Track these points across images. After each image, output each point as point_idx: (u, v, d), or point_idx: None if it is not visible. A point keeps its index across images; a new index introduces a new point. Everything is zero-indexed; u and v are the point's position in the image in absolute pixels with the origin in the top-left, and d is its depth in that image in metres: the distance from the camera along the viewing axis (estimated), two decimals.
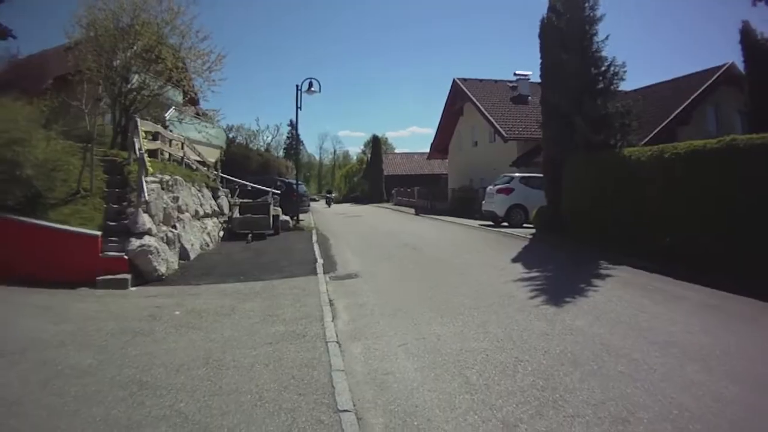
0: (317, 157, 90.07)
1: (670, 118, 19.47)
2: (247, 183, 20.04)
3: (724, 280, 7.59)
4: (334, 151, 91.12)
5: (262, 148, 50.35)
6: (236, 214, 16.25)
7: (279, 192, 20.24)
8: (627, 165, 10.49)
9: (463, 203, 27.22)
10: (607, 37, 12.56)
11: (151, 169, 10.12)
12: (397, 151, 67.30)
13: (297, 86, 19.08)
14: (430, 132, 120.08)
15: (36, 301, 7.22)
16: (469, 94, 29.94)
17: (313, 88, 18.99)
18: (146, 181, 9.98)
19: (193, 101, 18.32)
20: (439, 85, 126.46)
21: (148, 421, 3.70)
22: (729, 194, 8.06)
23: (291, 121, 72.14)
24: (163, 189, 10.99)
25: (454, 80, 32.13)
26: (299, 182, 24.70)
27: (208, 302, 7.65)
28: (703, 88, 20.45)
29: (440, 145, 38.10)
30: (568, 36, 12.54)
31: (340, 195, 60.92)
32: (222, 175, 18.35)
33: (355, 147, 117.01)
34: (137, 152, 10.60)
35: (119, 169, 11.18)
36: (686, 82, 21.61)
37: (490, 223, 20.00)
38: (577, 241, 12.38)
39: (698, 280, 7.93)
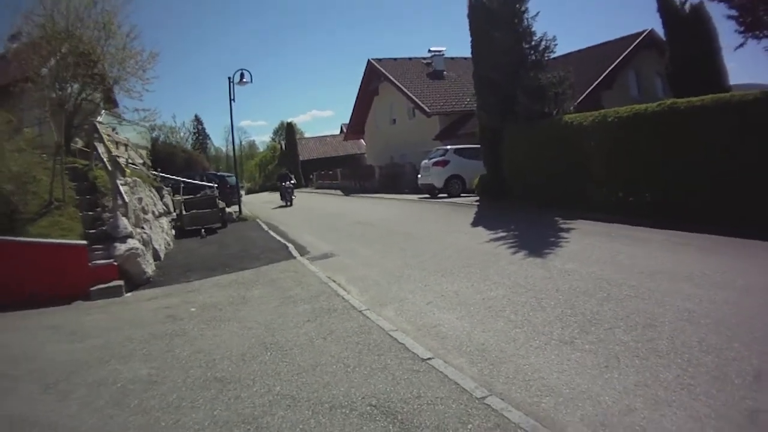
0: (223, 150, 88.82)
1: (595, 84, 20.79)
2: (185, 180, 20.06)
3: (674, 224, 8.87)
4: (240, 142, 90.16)
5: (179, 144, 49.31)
6: (183, 211, 16.40)
7: (216, 186, 20.42)
8: (569, 130, 11.77)
9: (391, 180, 28.28)
10: (537, 14, 13.85)
11: (128, 171, 10.24)
12: (306, 135, 67.58)
13: (229, 78, 19.49)
14: (330, 114, 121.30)
15: (42, 322, 7.12)
16: (386, 73, 30.94)
17: (245, 80, 19.34)
18: (120, 184, 10.05)
19: (114, 102, 18.09)
20: (337, 67, 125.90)
21: (261, 410, 3.84)
22: (671, 151, 9.35)
23: (196, 115, 71.40)
24: (131, 191, 11.10)
25: (368, 61, 32.98)
26: (231, 175, 24.83)
27: (214, 296, 7.89)
28: (625, 53, 21.91)
29: (356, 126, 39.05)
30: (500, 14, 13.63)
31: (256, 184, 60.50)
32: (161, 174, 18.34)
33: (258, 136, 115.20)
34: (102, 156, 10.65)
35: (84, 176, 11.14)
36: (608, 49, 23.11)
37: (427, 195, 21.17)
38: (523, 204, 13.63)
39: (652, 225, 9.18)
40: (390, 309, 6.36)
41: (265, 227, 16.28)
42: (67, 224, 9.50)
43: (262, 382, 4.38)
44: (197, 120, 71.02)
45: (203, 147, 66.99)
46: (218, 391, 4.28)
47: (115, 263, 8.91)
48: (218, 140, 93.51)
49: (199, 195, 18.27)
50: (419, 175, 22.07)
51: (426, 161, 21.45)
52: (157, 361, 5.14)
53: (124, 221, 9.69)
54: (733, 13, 8.96)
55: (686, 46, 13.01)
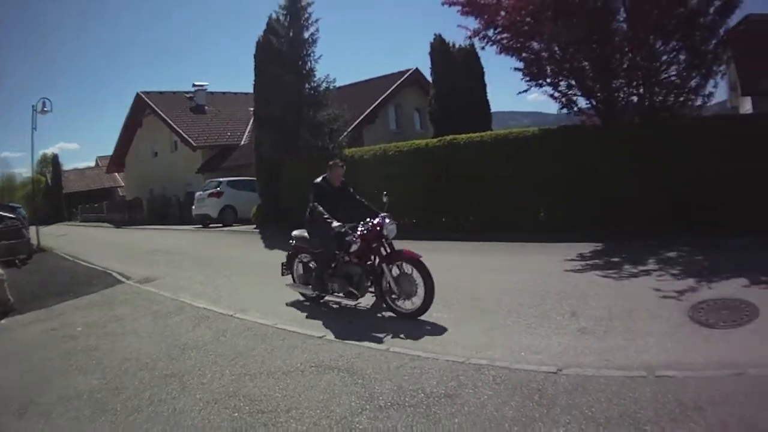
0: None
1: (360, 118, 21.48)
2: None
3: (459, 238, 10.82)
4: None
5: None
6: None
7: (15, 217, 18.06)
8: (349, 163, 13.38)
9: (159, 212, 27.84)
10: (320, 57, 15.54)
11: None
12: (65, 168, 61.23)
13: (33, 107, 18.86)
14: (77, 147, 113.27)
15: None
16: (154, 106, 30.07)
17: (46, 108, 18.82)
18: None
19: None
20: (84, 99, 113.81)
21: (235, 386, 4.36)
22: (445, 178, 11.34)
23: None
24: None
25: (137, 94, 31.51)
26: (20, 206, 23.59)
27: (86, 316, 7.74)
28: (390, 90, 23.49)
29: (118, 159, 36.80)
30: (288, 57, 14.95)
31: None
32: None
33: (17, 168, 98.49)
34: None
35: None
36: (376, 85, 24.56)
37: (200, 225, 21.33)
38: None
39: (435, 239, 10.61)
40: (255, 312, 6.87)
41: (69, 257, 14.91)
42: None
43: (212, 369, 4.80)
44: None
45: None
46: (183, 382, 4.56)
47: None
48: None
49: (0, 225, 16.32)
50: (193, 206, 22.05)
51: (200, 193, 21.66)
52: (96, 372, 5.15)
53: None
54: (520, 65, 10.59)
55: (455, 83, 15.55)
